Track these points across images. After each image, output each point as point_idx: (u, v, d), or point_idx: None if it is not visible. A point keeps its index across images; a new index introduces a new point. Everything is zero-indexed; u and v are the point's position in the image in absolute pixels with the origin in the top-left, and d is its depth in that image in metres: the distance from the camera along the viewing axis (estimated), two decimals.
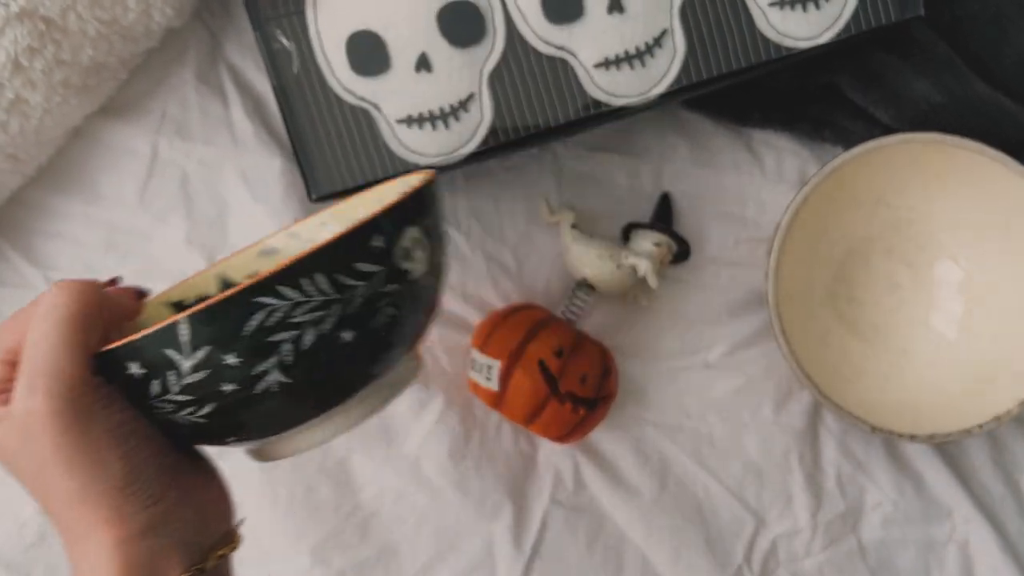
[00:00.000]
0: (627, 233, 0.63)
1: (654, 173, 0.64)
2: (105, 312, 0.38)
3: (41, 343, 0.36)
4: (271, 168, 0.61)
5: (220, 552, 0.40)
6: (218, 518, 0.41)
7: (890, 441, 0.64)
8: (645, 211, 0.64)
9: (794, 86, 0.62)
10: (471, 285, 0.63)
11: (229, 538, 0.41)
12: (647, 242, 0.61)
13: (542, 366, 0.56)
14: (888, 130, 0.61)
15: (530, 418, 0.57)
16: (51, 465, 0.36)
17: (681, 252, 0.62)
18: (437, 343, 0.63)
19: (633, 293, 0.63)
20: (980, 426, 0.57)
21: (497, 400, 0.57)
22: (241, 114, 0.61)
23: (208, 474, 0.42)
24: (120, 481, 0.36)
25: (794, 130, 0.63)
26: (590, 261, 0.60)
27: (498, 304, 0.63)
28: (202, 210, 0.61)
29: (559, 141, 0.62)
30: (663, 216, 0.63)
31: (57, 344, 0.36)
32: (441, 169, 0.55)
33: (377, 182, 0.54)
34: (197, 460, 0.42)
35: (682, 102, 0.62)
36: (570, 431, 0.58)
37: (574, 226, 0.61)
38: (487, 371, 0.57)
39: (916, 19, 0.55)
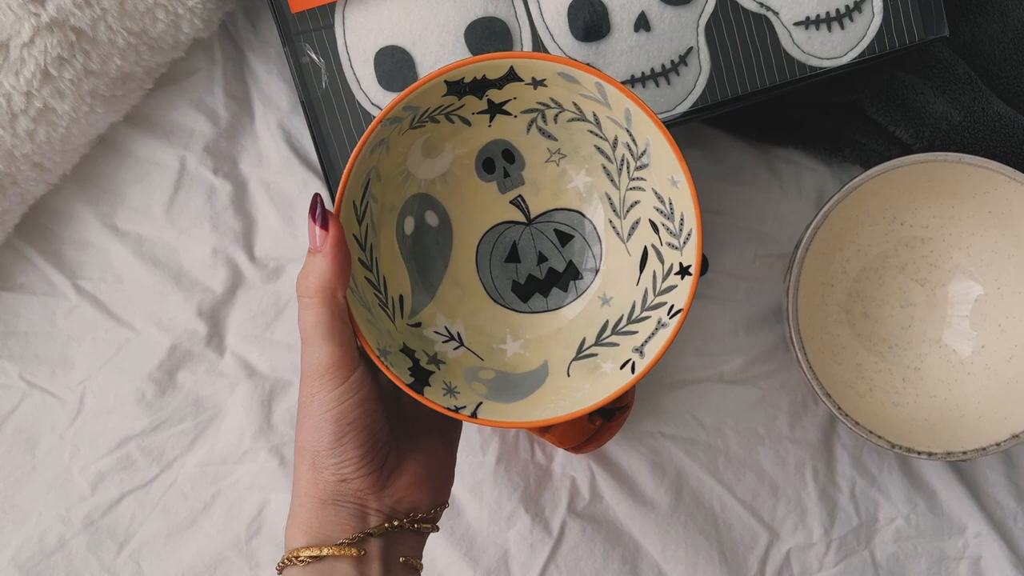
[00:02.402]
0: None
1: None
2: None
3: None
4: (295, 183, 0.61)
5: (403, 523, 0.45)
6: (433, 489, 0.47)
7: (904, 457, 0.65)
8: None
9: (815, 104, 0.62)
10: None
11: (430, 513, 0.47)
12: None
13: None
14: (906, 148, 0.62)
15: (546, 427, 0.57)
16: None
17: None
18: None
19: None
20: (998, 444, 0.58)
21: None
22: (266, 128, 0.61)
23: (438, 442, 0.48)
24: (328, 445, 0.43)
25: (814, 147, 0.63)
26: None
27: None
28: (228, 224, 0.61)
29: None
30: None
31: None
32: None
33: None
34: (432, 429, 0.48)
35: (703, 118, 0.62)
36: (586, 441, 0.58)
37: None
38: None
39: (937, 40, 0.56)
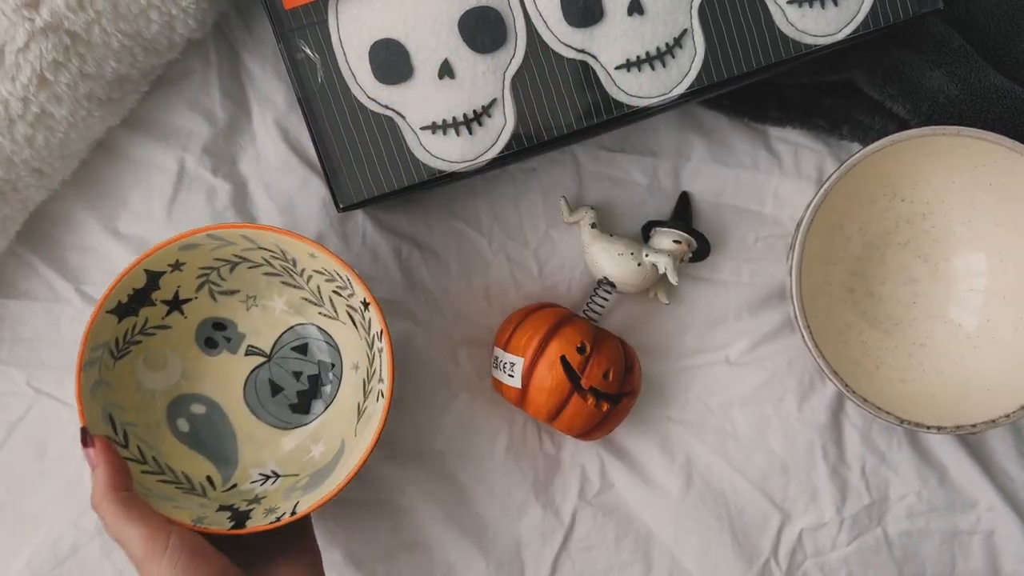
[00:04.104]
0: (647, 232, 0.63)
1: (673, 172, 0.64)
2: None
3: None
4: (294, 181, 0.61)
5: None
6: None
7: (913, 433, 0.65)
8: (665, 210, 0.64)
9: (811, 82, 0.62)
10: (494, 287, 0.63)
11: None
12: (667, 240, 0.61)
13: (564, 362, 0.56)
14: (904, 124, 0.62)
15: (553, 414, 0.57)
16: None
17: (701, 250, 0.62)
18: (461, 344, 0.63)
19: (654, 291, 0.63)
20: (1007, 415, 0.58)
21: (520, 397, 0.58)
22: (263, 127, 0.61)
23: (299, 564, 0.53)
24: None
25: (811, 126, 0.63)
26: (610, 259, 0.60)
27: (521, 305, 0.63)
28: None
29: (579, 143, 0.63)
30: (683, 214, 0.63)
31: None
32: (466, 174, 0.55)
33: (403, 190, 0.55)
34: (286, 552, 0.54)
35: (700, 100, 0.62)
36: (594, 427, 0.58)
37: (593, 225, 0.62)
38: (510, 368, 0.57)
39: (931, 13, 0.56)
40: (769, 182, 0.64)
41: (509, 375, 0.58)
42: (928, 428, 0.58)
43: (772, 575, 0.64)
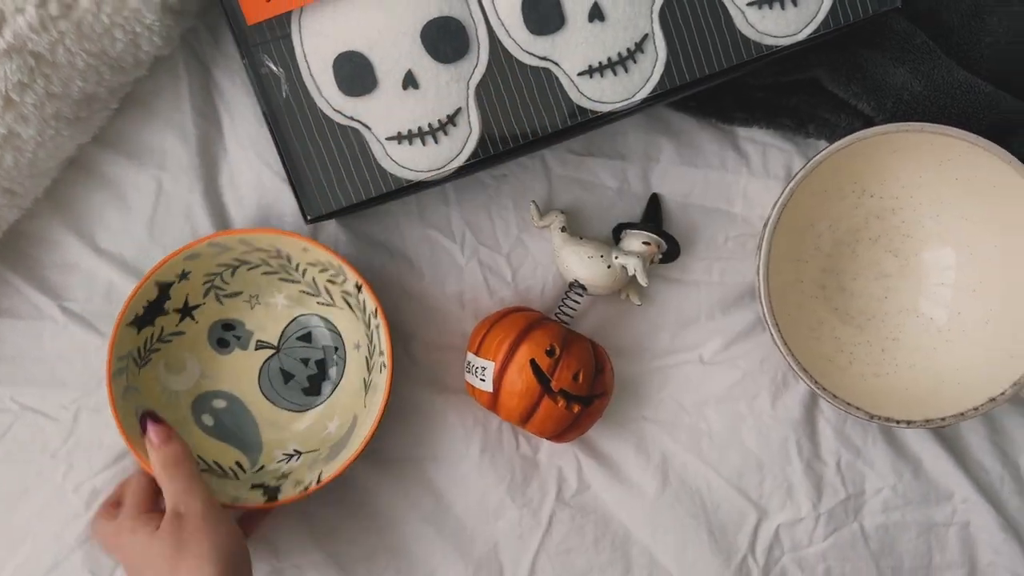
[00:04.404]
0: (618, 234, 0.64)
1: (642, 174, 0.64)
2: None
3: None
4: (269, 193, 0.62)
5: None
6: None
7: (888, 427, 0.65)
8: (636, 212, 0.64)
9: (776, 82, 0.63)
10: (467, 293, 0.64)
11: None
12: (636, 242, 0.62)
13: (534, 365, 0.57)
14: (870, 121, 0.62)
15: (525, 417, 0.58)
16: None
17: (671, 251, 0.63)
18: (436, 350, 0.64)
19: (626, 292, 0.64)
20: (976, 408, 0.58)
21: (492, 401, 0.58)
22: (235, 141, 0.62)
23: None
24: None
25: (777, 126, 0.64)
26: (580, 262, 0.61)
27: (495, 310, 0.64)
28: None
29: (547, 148, 0.63)
30: (653, 216, 0.64)
31: None
32: (432, 183, 0.56)
33: (371, 200, 0.55)
34: None
35: (666, 103, 0.63)
36: (566, 429, 0.59)
37: (563, 229, 0.62)
38: (481, 372, 0.58)
39: (894, 10, 0.56)
40: (738, 182, 0.65)
41: (481, 379, 0.58)
42: (898, 422, 0.59)
43: (750, 571, 0.64)
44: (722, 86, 0.60)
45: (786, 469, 0.64)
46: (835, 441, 0.65)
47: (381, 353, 0.59)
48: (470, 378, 0.60)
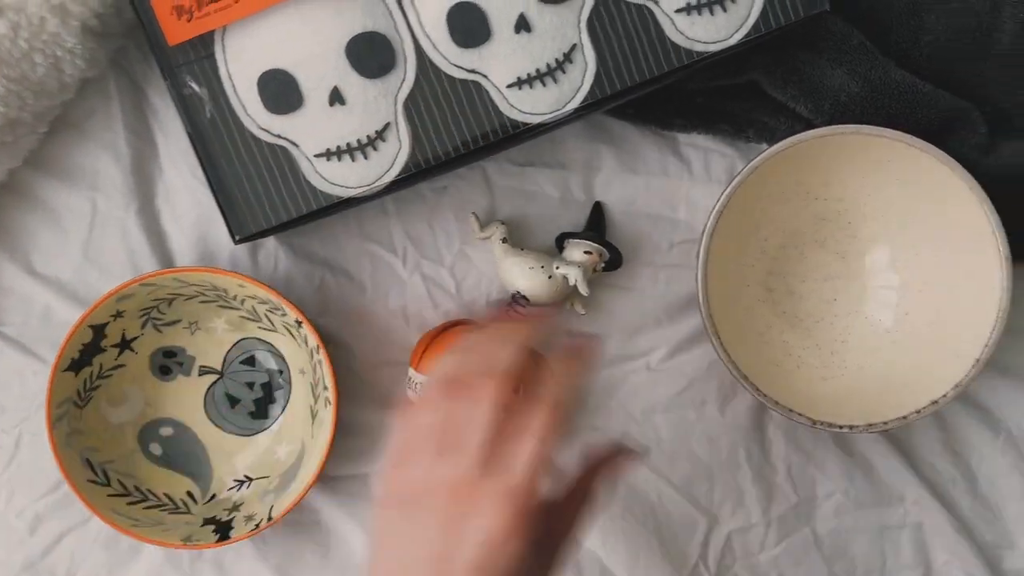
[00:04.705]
0: (561, 243, 0.63)
1: (584, 182, 0.64)
2: None
3: None
4: (204, 210, 0.61)
5: None
6: None
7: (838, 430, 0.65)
8: (579, 220, 0.64)
9: (714, 87, 0.62)
10: (411, 307, 0.63)
11: None
12: (578, 251, 0.61)
13: None
14: (810, 124, 0.62)
15: None
16: None
17: (613, 259, 0.63)
18: (381, 365, 0.63)
19: (570, 302, 0.64)
20: (918, 412, 0.58)
21: None
22: (170, 161, 0.61)
23: None
24: None
25: (717, 131, 0.63)
26: (521, 273, 0.61)
27: (440, 323, 0.63)
28: (146, 259, 0.61)
29: (487, 159, 0.63)
30: (596, 225, 0.64)
31: None
32: (365, 199, 0.55)
33: (301, 218, 0.55)
34: None
35: (606, 110, 0.62)
36: None
37: (505, 240, 0.62)
38: (420, 388, 0.58)
39: (830, 11, 0.56)
40: (680, 188, 0.64)
41: (420, 395, 0.58)
42: (840, 427, 0.58)
43: None
44: (660, 92, 0.60)
45: (736, 475, 0.64)
46: (785, 446, 0.65)
47: (325, 388, 0.59)
48: (410, 393, 0.59)
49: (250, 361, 0.63)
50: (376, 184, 0.55)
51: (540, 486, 0.40)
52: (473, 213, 0.63)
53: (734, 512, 0.64)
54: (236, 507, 0.61)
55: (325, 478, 0.63)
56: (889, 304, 0.64)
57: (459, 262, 0.64)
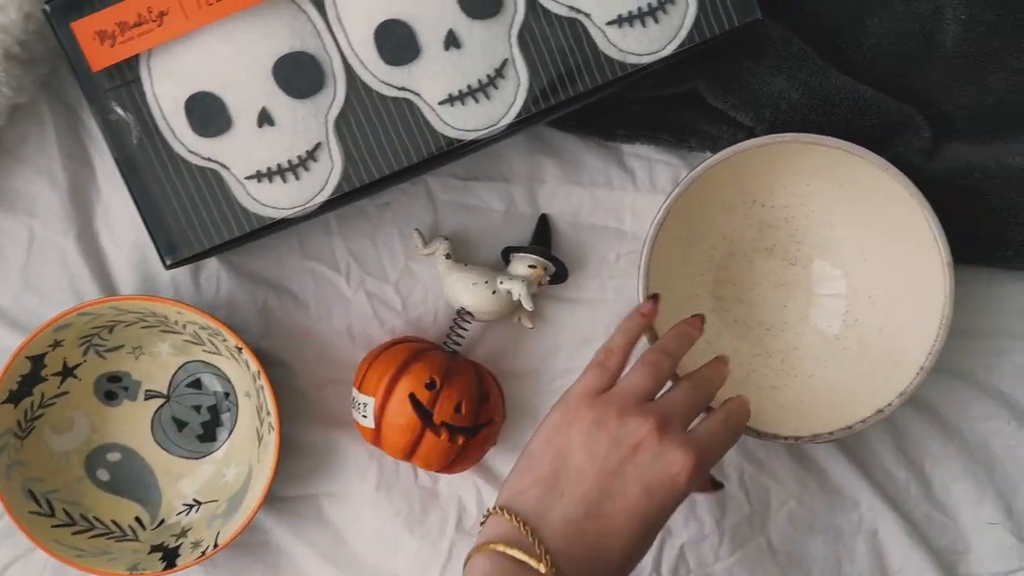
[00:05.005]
0: (506, 257, 0.63)
1: (529, 195, 0.64)
2: None
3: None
4: (143, 232, 0.60)
5: None
6: None
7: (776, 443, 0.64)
8: (525, 234, 0.64)
9: (656, 97, 0.62)
10: (356, 325, 0.63)
11: None
12: (522, 265, 0.61)
13: (413, 400, 0.56)
14: (752, 132, 0.61)
15: (409, 452, 0.57)
16: None
17: (559, 273, 0.62)
18: (327, 384, 0.63)
19: (518, 316, 0.63)
20: (863, 421, 0.58)
21: (376, 437, 0.58)
22: (108, 183, 0.61)
23: None
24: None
25: (659, 142, 0.63)
26: (465, 289, 0.60)
27: (387, 340, 0.63)
28: (86, 284, 0.61)
29: (429, 174, 0.62)
30: (541, 238, 0.63)
31: None
32: (298, 220, 0.55)
33: (235, 241, 0.54)
34: None
35: (547, 122, 0.62)
36: (452, 461, 0.58)
37: (448, 256, 0.61)
38: (363, 409, 0.57)
39: (768, 18, 0.55)
40: (625, 198, 0.64)
41: (363, 415, 0.58)
42: (785, 438, 0.58)
43: None
44: (601, 103, 0.59)
45: None
46: (737, 455, 0.64)
47: (268, 413, 0.58)
48: (354, 414, 0.59)
49: (196, 384, 0.62)
50: (309, 205, 0.55)
51: (715, 456, 0.51)
52: (416, 229, 0.62)
53: (686, 523, 0.64)
54: (184, 532, 0.60)
55: (274, 499, 0.62)
56: (838, 311, 0.63)
57: (404, 278, 0.63)
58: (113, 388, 0.62)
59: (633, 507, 0.48)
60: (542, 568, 0.46)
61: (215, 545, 0.58)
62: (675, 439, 0.49)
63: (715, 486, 0.58)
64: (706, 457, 0.50)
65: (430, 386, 0.57)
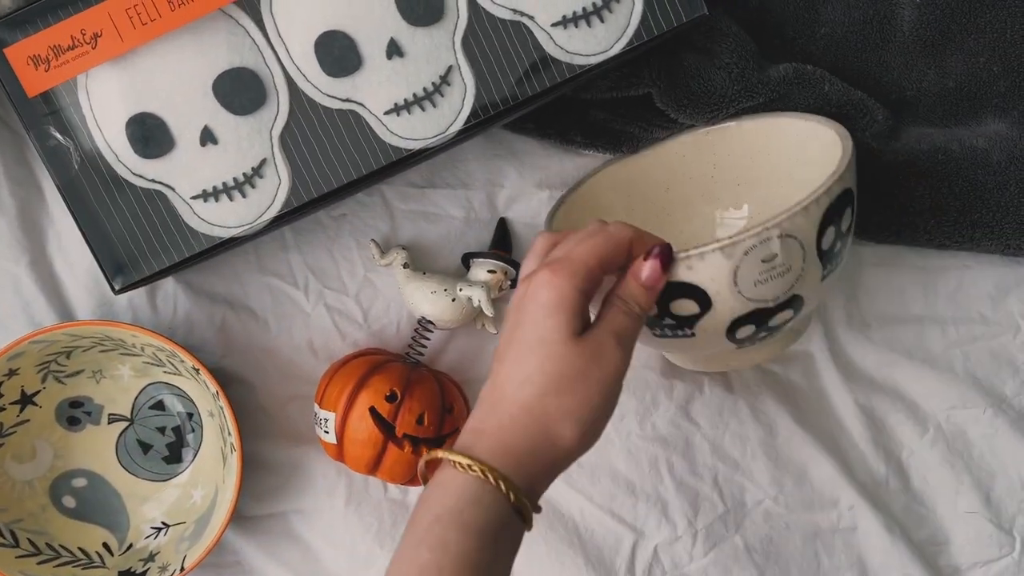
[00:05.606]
0: (467, 263, 0.62)
1: (487, 200, 0.63)
2: None
3: None
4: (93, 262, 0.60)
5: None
6: None
7: (767, 438, 0.63)
8: (485, 239, 0.63)
9: (612, 101, 0.61)
10: (317, 339, 0.62)
11: None
12: (482, 271, 0.60)
13: (374, 413, 0.55)
14: None
15: (372, 466, 0.57)
16: None
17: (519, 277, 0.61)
18: (291, 400, 0.62)
19: (481, 322, 0.62)
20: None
21: (338, 452, 0.57)
22: (59, 207, 0.60)
23: None
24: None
25: (616, 150, 0.62)
26: (424, 298, 0.59)
27: (349, 353, 0.62)
28: (42, 314, 0.60)
29: (384, 183, 0.62)
30: (501, 242, 0.62)
31: None
32: (248, 238, 0.54)
33: (183, 262, 0.54)
34: None
35: (504, 126, 0.61)
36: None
37: (406, 265, 0.61)
38: (325, 424, 0.57)
39: (709, 14, 0.54)
40: None
41: (325, 431, 0.57)
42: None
43: None
44: (556, 103, 0.58)
45: (659, 488, 0.63)
46: (711, 456, 0.63)
47: (230, 434, 0.57)
48: (317, 430, 0.58)
49: (159, 406, 0.62)
50: (258, 222, 0.54)
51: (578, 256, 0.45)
52: (372, 240, 0.61)
53: (659, 525, 0.63)
54: (152, 556, 0.60)
55: (243, 519, 0.62)
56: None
57: (364, 290, 0.63)
58: (75, 413, 0.61)
59: (520, 339, 0.44)
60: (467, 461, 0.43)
61: (181, 568, 0.57)
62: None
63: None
64: (566, 263, 0.45)
65: (391, 398, 0.56)
